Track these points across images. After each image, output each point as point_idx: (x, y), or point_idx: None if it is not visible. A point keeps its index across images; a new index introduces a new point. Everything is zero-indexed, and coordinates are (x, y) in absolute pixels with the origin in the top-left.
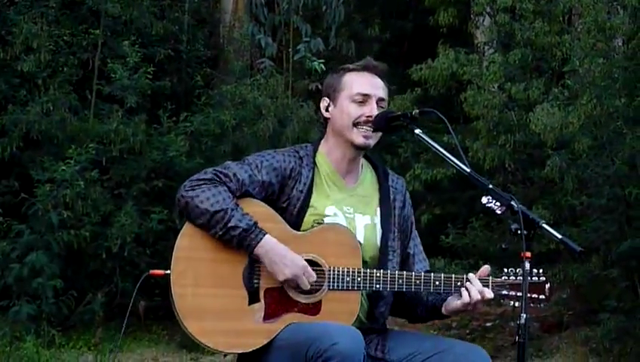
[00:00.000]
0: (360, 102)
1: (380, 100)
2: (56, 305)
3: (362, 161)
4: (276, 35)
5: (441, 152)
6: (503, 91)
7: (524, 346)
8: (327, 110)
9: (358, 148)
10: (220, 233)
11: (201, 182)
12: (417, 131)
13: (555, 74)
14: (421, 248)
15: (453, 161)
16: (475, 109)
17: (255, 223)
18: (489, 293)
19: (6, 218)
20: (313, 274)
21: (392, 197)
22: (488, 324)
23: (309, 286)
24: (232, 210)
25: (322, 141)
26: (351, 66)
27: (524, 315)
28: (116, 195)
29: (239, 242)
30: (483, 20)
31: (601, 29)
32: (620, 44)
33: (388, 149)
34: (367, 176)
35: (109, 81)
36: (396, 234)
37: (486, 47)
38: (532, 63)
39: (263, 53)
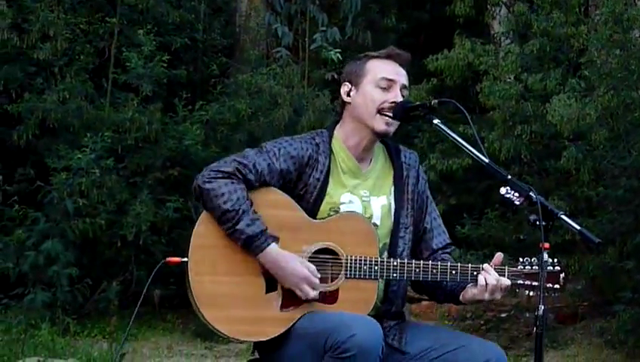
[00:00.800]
0: (384, 87)
1: (403, 87)
2: (72, 293)
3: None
4: (292, 25)
5: (460, 143)
6: (520, 82)
7: (542, 337)
8: (348, 95)
9: (379, 135)
10: (229, 231)
11: (220, 174)
12: (436, 121)
13: (572, 65)
14: (440, 221)
15: (472, 152)
16: (491, 100)
17: (262, 231)
18: (505, 281)
19: (22, 206)
20: (316, 281)
21: (405, 173)
22: (503, 315)
23: (310, 296)
24: (244, 212)
25: (338, 126)
26: (374, 53)
27: (542, 306)
28: (132, 184)
29: (244, 246)
30: (500, 11)
31: (619, 21)
32: (637, 35)
33: (403, 139)
34: (380, 155)
35: (125, 69)
36: (409, 210)
37: (502, 38)
38: (549, 54)
39: (279, 43)
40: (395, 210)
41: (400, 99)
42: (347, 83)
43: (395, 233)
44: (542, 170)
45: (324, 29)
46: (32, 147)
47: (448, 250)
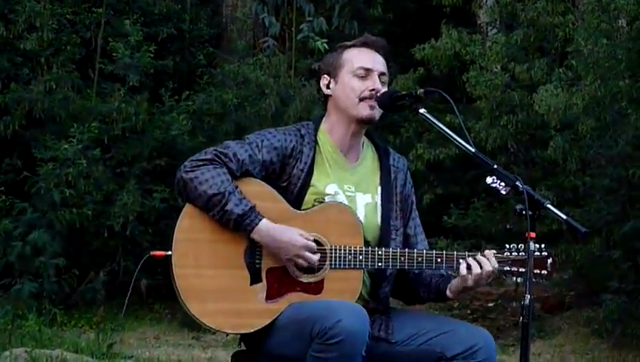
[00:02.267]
0: (362, 76)
1: (381, 74)
2: (59, 284)
3: (364, 139)
4: (279, 15)
5: (446, 132)
6: (506, 71)
7: (528, 327)
8: (327, 87)
9: (364, 122)
10: (218, 216)
11: (201, 162)
12: (422, 111)
13: (558, 54)
14: (421, 228)
15: (458, 141)
16: (478, 90)
17: (251, 208)
18: (487, 265)
19: (9, 196)
20: (314, 246)
21: (393, 175)
22: (490, 304)
23: (315, 262)
24: (230, 193)
25: (323, 119)
26: (350, 43)
27: (528, 296)
28: (118, 174)
29: (236, 226)
30: (486, 0)
31: (605, 10)
32: (624, 24)
33: (390, 129)
34: (368, 154)
35: (112, 59)
36: (398, 213)
37: (489, 27)
38: (535, 44)
39: (266, 33)
40: (384, 211)
41: (378, 85)
42: (325, 75)
43: (386, 235)
44: (528, 160)
45: (310, 19)
46: (19, 137)
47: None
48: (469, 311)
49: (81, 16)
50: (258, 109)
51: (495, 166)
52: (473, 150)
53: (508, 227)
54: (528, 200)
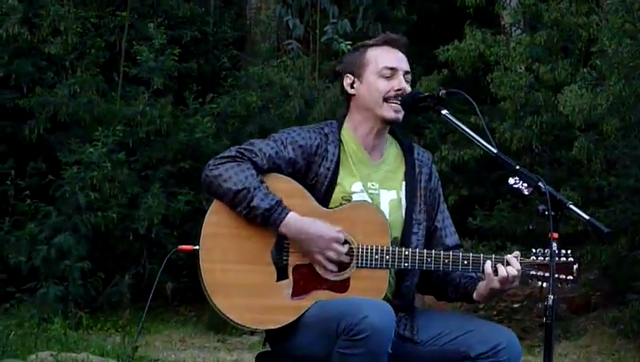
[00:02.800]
0: (387, 76)
1: (405, 73)
2: (84, 287)
3: (387, 136)
4: (303, 17)
5: (468, 133)
6: (530, 72)
7: (551, 327)
8: (352, 87)
9: (389, 122)
10: (244, 212)
11: (225, 160)
12: (444, 112)
13: (582, 55)
14: (450, 221)
15: (480, 142)
16: (502, 90)
17: (278, 201)
18: (513, 268)
19: (34, 200)
20: (342, 237)
21: (417, 170)
22: (516, 305)
23: (343, 254)
24: (255, 188)
25: (346, 118)
26: (371, 42)
27: (552, 296)
28: (143, 177)
29: (263, 221)
30: (510, 1)
31: (629, 10)
32: None
33: (414, 130)
34: (391, 150)
35: (136, 62)
36: (422, 206)
37: (513, 28)
38: (559, 44)
39: (290, 35)
40: (407, 205)
41: (404, 85)
42: (349, 75)
43: (407, 229)
44: (553, 161)
45: (334, 20)
46: (44, 141)
47: (460, 251)
48: (494, 312)
49: (106, 19)
50: (282, 111)
51: (517, 167)
52: (495, 151)
53: (531, 227)
54: (551, 201)
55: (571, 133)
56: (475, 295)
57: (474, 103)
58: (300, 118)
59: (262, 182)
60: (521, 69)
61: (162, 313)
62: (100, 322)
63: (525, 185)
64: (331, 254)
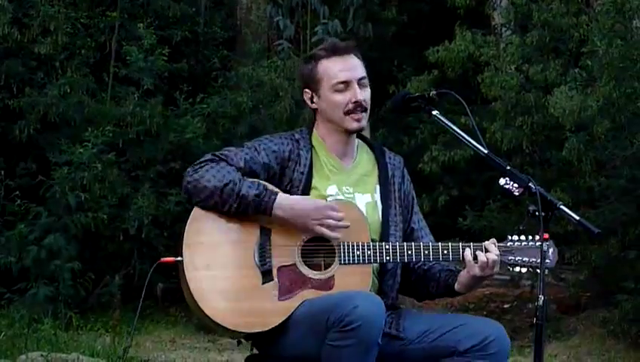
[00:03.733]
0: (342, 90)
1: (360, 80)
2: (74, 288)
3: (357, 141)
4: (294, 17)
5: (459, 133)
6: (521, 73)
7: (542, 328)
8: (312, 101)
9: (353, 133)
10: (235, 205)
11: (203, 163)
12: (435, 112)
13: (573, 55)
14: (425, 223)
15: (470, 143)
16: (493, 91)
17: (264, 186)
18: (492, 253)
19: (24, 200)
20: (336, 207)
21: (390, 173)
22: (506, 306)
23: (342, 217)
24: (240, 180)
25: (315, 126)
26: (319, 53)
27: (542, 297)
28: (133, 177)
29: (255, 208)
30: (500, 1)
31: (620, 11)
32: (639, 25)
33: (405, 131)
34: (363, 155)
35: (126, 63)
36: (397, 209)
37: (503, 29)
38: (549, 45)
39: (281, 35)
40: (383, 208)
41: (359, 96)
42: (307, 90)
43: (385, 230)
44: (543, 161)
45: (325, 21)
46: (34, 141)
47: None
48: (484, 313)
49: (96, 20)
50: (273, 112)
51: (508, 167)
52: (486, 151)
53: (521, 228)
54: (541, 202)
55: (562, 133)
56: (456, 286)
57: (464, 104)
58: (290, 118)
59: (242, 175)
60: (511, 69)
61: (152, 313)
62: (90, 322)
63: (516, 185)
64: (330, 222)
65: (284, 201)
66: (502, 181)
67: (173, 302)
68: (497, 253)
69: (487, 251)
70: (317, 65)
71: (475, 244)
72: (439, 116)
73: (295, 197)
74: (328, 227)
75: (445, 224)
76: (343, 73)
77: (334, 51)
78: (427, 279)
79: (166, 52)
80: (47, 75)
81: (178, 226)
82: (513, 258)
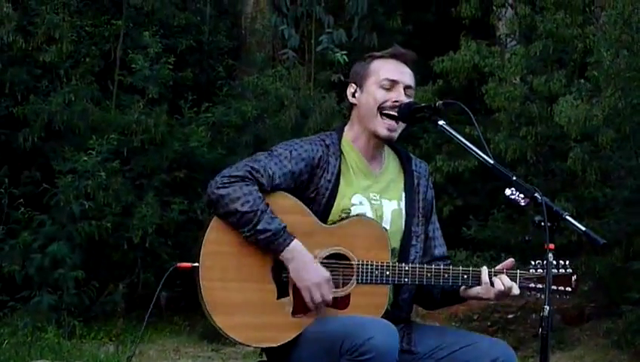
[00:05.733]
0: (387, 88)
1: (407, 87)
2: (78, 296)
3: (385, 146)
4: (299, 27)
5: (465, 144)
6: (525, 83)
7: (547, 338)
8: (353, 96)
9: (382, 139)
10: (248, 234)
11: (233, 179)
12: (441, 122)
13: (577, 66)
14: (440, 232)
15: (476, 153)
16: (497, 101)
17: (284, 228)
18: (516, 290)
19: (27, 208)
20: (331, 288)
21: (416, 181)
22: (510, 316)
23: (323, 300)
24: (262, 212)
25: (346, 127)
26: (379, 54)
27: (547, 307)
28: (137, 186)
29: (266, 245)
30: (505, 12)
31: (627, 22)
32: None
33: (409, 140)
34: (390, 161)
35: (131, 71)
36: (420, 218)
37: (508, 39)
38: (554, 55)
39: (285, 44)
40: (407, 217)
41: (403, 98)
42: (352, 84)
43: (406, 241)
44: (548, 171)
45: (330, 30)
46: (38, 149)
47: (447, 262)
48: (489, 323)
49: (101, 28)
50: (277, 121)
51: (514, 177)
52: (492, 162)
53: (527, 238)
54: (547, 212)
55: (566, 144)
56: (461, 292)
57: (471, 114)
58: (295, 128)
59: (267, 205)
60: (515, 80)
61: (156, 322)
62: (94, 331)
63: (522, 196)
64: (317, 295)
65: (297, 248)
66: (508, 191)
67: (176, 310)
68: (517, 291)
69: (508, 283)
70: (371, 62)
71: (495, 271)
72: (446, 126)
73: (308, 254)
74: (311, 297)
75: (449, 234)
76: (394, 73)
77: (393, 55)
78: (434, 287)
79: (171, 61)
80: (52, 82)
81: (182, 235)
82: (534, 285)
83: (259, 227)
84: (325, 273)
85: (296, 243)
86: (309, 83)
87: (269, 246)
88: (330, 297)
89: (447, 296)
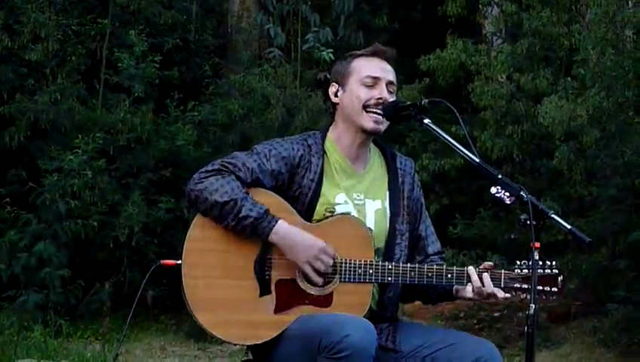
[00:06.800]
0: (370, 85)
1: (389, 83)
2: (64, 295)
3: (370, 145)
4: (285, 25)
5: (451, 142)
6: (511, 81)
7: (533, 336)
8: (335, 95)
9: (369, 133)
10: (233, 223)
11: (209, 173)
12: (427, 121)
13: (564, 64)
14: (432, 229)
15: (462, 151)
16: (483, 100)
17: (266, 211)
18: (500, 294)
19: (14, 207)
20: (331, 253)
21: (400, 179)
22: (496, 314)
23: (328, 269)
24: (242, 199)
25: (331, 128)
26: (359, 52)
27: (533, 306)
28: (124, 185)
29: (252, 231)
30: (491, 10)
31: (612, 21)
32: (631, 34)
33: (396, 139)
34: (375, 160)
35: (117, 70)
36: (405, 217)
37: (494, 38)
38: (540, 53)
39: (272, 43)
40: (391, 216)
41: (385, 94)
42: (334, 83)
43: (391, 239)
44: (534, 170)
45: (316, 29)
46: (24, 148)
47: (442, 256)
48: (475, 321)
49: (87, 27)
50: (264, 120)
51: (499, 176)
52: (477, 160)
53: (512, 237)
54: (533, 210)
55: (552, 142)
56: (454, 291)
57: (457, 113)
58: (282, 126)
59: (247, 193)
60: (502, 78)
61: (143, 321)
62: (80, 330)
63: (507, 194)
64: (319, 264)
65: (283, 228)
66: (493, 190)
67: (163, 309)
68: (502, 294)
69: (492, 290)
70: (352, 60)
71: (480, 270)
72: (431, 125)
73: (295, 228)
74: (314, 269)
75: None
76: (375, 70)
77: (374, 53)
78: (426, 288)
79: (157, 59)
80: (38, 81)
81: (168, 234)
82: (519, 286)
83: (241, 214)
84: (319, 242)
85: (281, 224)
86: (295, 81)
87: (255, 231)
88: (331, 262)
89: (442, 296)
